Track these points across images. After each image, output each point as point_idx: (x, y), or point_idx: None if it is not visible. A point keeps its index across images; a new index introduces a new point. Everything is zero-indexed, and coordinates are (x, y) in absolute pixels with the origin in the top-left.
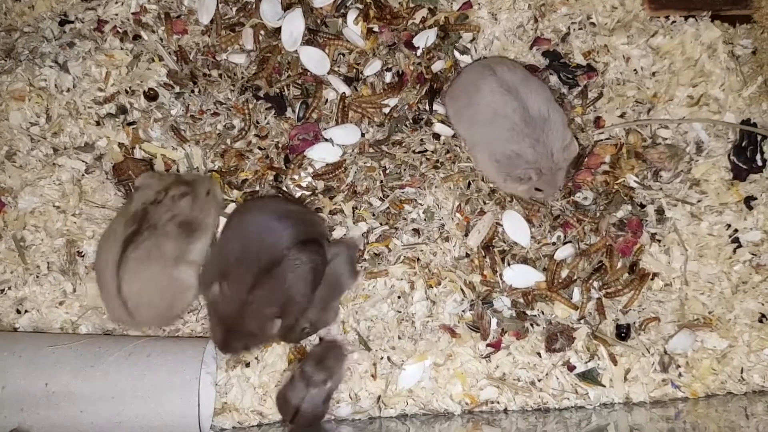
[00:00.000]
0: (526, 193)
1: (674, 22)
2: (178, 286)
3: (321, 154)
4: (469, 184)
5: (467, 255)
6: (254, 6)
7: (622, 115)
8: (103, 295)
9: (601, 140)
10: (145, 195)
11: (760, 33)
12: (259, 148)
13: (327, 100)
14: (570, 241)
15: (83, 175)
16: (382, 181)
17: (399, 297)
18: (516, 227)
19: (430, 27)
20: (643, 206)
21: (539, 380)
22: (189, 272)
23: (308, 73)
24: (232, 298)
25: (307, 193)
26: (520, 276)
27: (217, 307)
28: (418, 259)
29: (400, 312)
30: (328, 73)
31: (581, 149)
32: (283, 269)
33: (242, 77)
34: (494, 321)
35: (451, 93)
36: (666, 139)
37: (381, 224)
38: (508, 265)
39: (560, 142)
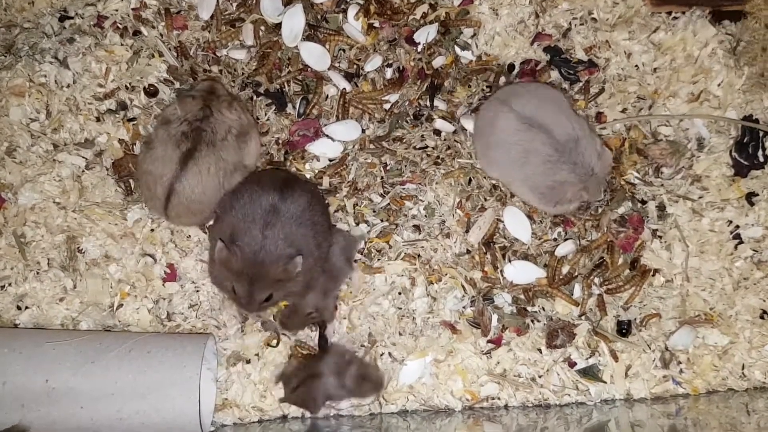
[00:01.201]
0: (573, 210)
1: (675, 17)
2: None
3: (321, 150)
4: (470, 180)
5: (468, 251)
6: (254, 2)
7: (623, 111)
8: (149, 202)
9: (603, 135)
10: (189, 116)
11: (753, 23)
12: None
13: (327, 96)
14: (571, 238)
15: (83, 171)
16: (382, 178)
17: (400, 293)
18: (517, 223)
19: (430, 22)
20: (644, 202)
21: (540, 376)
22: (239, 178)
23: (309, 69)
24: (245, 251)
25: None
26: (521, 272)
27: (230, 265)
28: (419, 255)
29: (400, 308)
30: (329, 69)
31: None
32: (283, 213)
33: (242, 73)
34: (495, 317)
35: (476, 135)
36: (667, 135)
37: (381, 221)
38: (509, 261)
39: (595, 155)
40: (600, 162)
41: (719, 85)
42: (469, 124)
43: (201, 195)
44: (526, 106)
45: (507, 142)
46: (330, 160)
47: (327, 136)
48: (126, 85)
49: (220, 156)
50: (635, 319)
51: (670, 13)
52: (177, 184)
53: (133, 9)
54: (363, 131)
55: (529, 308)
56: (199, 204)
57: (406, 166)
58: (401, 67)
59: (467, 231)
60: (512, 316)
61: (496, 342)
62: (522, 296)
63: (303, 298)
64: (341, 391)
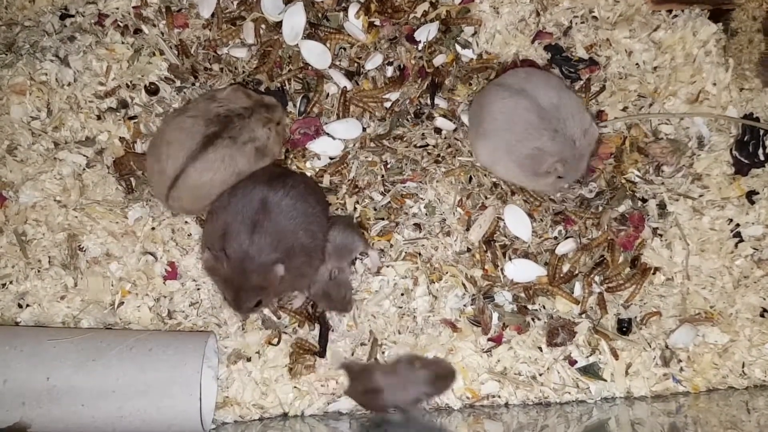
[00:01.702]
0: (553, 186)
1: (676, 16)
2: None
3: (322, 148)
4: (471, 178)
5: (468, 249)
6: (255, 0)
7: (624, 109)
8: (156, 175)
9: (604, 134)
10: (233, 105)
11: (742, 14)
12: None
13: (328, 94)
14: (571, 236)
15: (84, 169)
16: (383, 176)
17: (402, 294)
18: (517, 222)
19: (431, 21)
20: (644, 201)
21: (540, 374)
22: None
23: (309, 67)
24: (232, 258)
25: None
26: (522, 270)
27: (217, 272)
28: (420, 254)
29: (401, 307)
30: (330, 67)
31: None
32: (273, 208)
33: (243, 71)
34: (495, 315)
35: (470, 119)
36: (668, 134)
37: (382, 219)
38: (510, 259)
39: (579, 128)
40: (584, 138)
41: (714, 84)
42: (468, 119)
43: (208, 183)
44: (510, 78)
45: (492, 112)
46: (331, 159)
47: (328, 134)
48: (127, 84)
49: (234, 155)
50: (636, 317)
51: (670, 11)
52: (190, 166)
53: (133, 7)
54: (364, 129)
55: (529, 306)
56: (203, 192)
57: (406, 164)
58: (402, 66)
59: (468, 229)
60: (513, 315)
61: (497, 340)
62: (522, 294)
63: (304, 290)
64: (417, 396)
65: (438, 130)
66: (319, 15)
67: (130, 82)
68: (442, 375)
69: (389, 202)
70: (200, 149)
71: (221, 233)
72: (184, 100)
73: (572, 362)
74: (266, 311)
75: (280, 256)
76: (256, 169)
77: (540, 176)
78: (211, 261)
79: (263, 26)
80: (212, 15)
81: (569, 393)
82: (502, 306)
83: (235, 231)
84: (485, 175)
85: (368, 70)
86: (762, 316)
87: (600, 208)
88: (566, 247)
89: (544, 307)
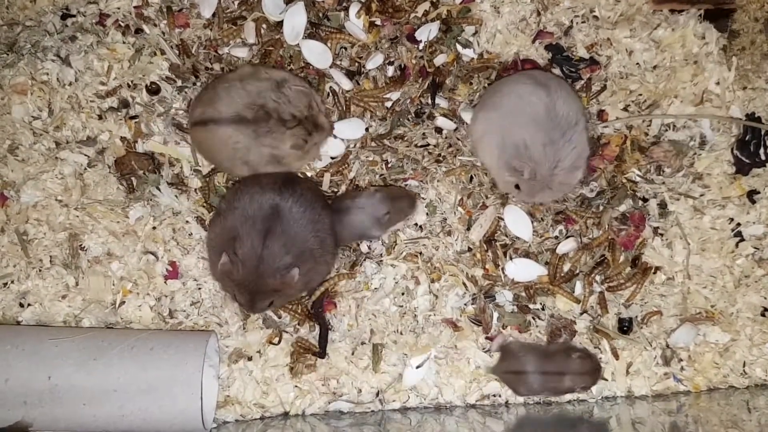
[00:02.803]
0: (507, 186)
1: (676, 15)
2: (232, 169)
3: (324, 148)
4: (471, 178)
5: (469, 249)
6: (256, 0)
7: (625, 108)
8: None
9: (605, 134)
10: (285, 107)
11: (743, 16)
12: None
13: (329, 93)
14: (572, 235)
15: (85, 169)
16: (383, 175)
17: (403, 293)
18: (518, 222)
19: (432, 20)
20: (645, 200)
21: None
22: (245, 171)
23: (310, 67)
24: (245, 262)
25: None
26: (522, 270)
27: (232, 276)
28: (421, 253)
29: (402, 306)
30: (330, 67)
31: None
32: (285, 214)
33: None
34: (496, 315)
35: (480, 102)
36: (671, 137)
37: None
38: (510, 259)
39: (571, 160)
40: (565, 171)
41: (717, 83)
42: (469, 117)
43: (214, 148)
44: (543, 75)
45: (506, 89)
46: (332, 158)
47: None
48: (128, 83)
49: (250, 146)
50: (636, 316)
51: (672, 10)
52: (213, 125)
53: (135, 7)
54: (366, 129)
55: (530, 306)
56: (207, 150)
57: (407, 163)
58: (403, 65)
59: (468, 229)
60: (513, 315)
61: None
62: (523, 294)
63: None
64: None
65: (439, 130)
66: (320, 15)
67: (132, 81)
68: (589, 362)
69: None
70: (228, 121)
71: (231, 237)
72: (185, 100)
73: None
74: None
75: (294, 261)
76: (272, 171)
77: (508, 169)
78: (227, 265)
79: (264, 26)
80: (213, 15)
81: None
82: (502, 306)
83: (247, 235)
84: (486, 175)
85: (369, 70)
86: (763, 315)
87: (601, 208)
88: (567, 246)
89: (544, 307)
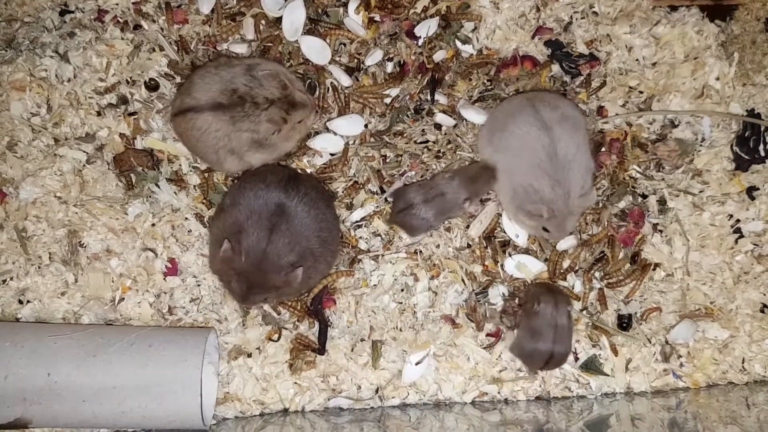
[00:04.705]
0: (534, 229)
1: (676, 11)
2: (218, 162)
3: (323, 145)
4: None
5: (468, 246)
6: None
7: (624, 105)
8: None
9: (605, 130)
10: (257, 90)
11: (745, 15)
12: None
13: (330, 89)
14: (572, 232)
15: (84, 165)
16: (380, 170)
17: (402, 290)
18: (514, 224)
19: (431, 16)
20: (645, 196)
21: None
22: (235, 163)
23: (309, 63)
24: (249, 254)
25: None
26: (522, 266)
27: (233, 264)
28: (420, 251)
29: (401, 303)
30: (329, 63)
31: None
32: (290, 212)
33: None
34: (489, 313)
35: (489, 120)
36: (678, 137)
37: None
38: (510, 255)
39: (579, 187)
40: (580, 198)
41: (717, 78)
42: (468, 113)
43: (196, 139)
44: (548, 112)
45: (515, 131)
46: (331, 155)
47: (330, 131)
48: (127, 80)
49: (230, 134)
50: (636, 313)
51: (671, 6)
52: (191, 113)
53: (133, 3)
54: (365, 126)
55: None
56: (189, 142)
57: (406, 160)
58: (402, 61)
59: (468, 226)
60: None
61: (496, 335)
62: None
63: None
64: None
65: (438, 126)
66: (319, 11)
67: (130, 78)
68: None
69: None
70: (204, 108)
71: (236, 231)
72: None
73: (573, 358)
74: (266, 307)
75: (298, 260)
76: (262, 158)
77: (524, 213)
78: (229, 252)
79: (263, 22)
80: (212, 11)
81: (569, 388)
82: (495, 305)
83: (252, 228)
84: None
85: (368, 66)
86: (762, 311)
87: (600, 204)
88: (567, 243)
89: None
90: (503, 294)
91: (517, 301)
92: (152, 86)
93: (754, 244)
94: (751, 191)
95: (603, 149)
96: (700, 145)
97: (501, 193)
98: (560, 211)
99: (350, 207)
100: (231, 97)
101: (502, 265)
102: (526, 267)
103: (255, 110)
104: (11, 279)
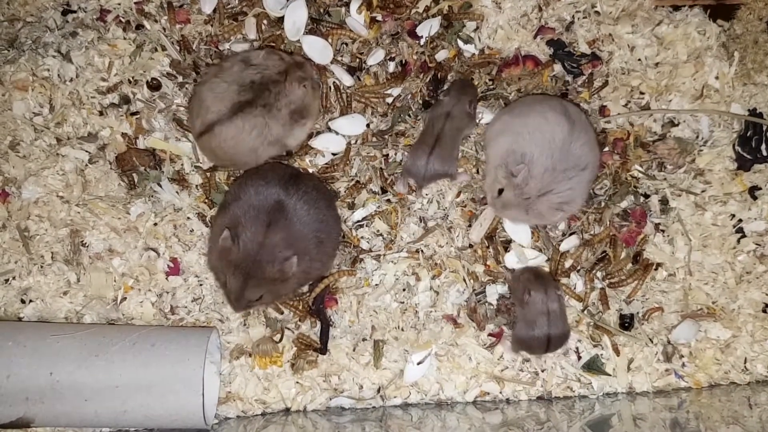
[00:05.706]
0: (492, 186)
1: (678, 11)
2: (257, 160)
3: (325, 145)
4: (477, 170)
5: (470, 246)
6: None
7: (626, 104)
8: (191, 126)
9: (607, 129)
10: (267, 71)
11: (747, 14)
12: None
13: (332, 89)
14: (575, 233)
15: (87, 165)
16: (382, 170)
17: (404, 290)
18: (518, 228)
19: (433, 16)
20: (647, 196)
21: (543, 370)
22: (274, 152)
23: (311, 63)
24: (246, 246)
25: None
26: (522, 259)
27: (230, 255)
28: (422, 251)
29: (403, 302)
30: (331, 63)
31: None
32: (289, 210)
33: None
34: (488, 313)
35: (507, 111)
36: (676, 134)
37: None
38: (508, 251)
39: (561, 198)
40: (559, 196)
41: (716, 78)
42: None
43: (232, 148)
44: (575, 111)
45: (537, 108)
46: (333, 155)
47: (332, 130)
48: (129, 79)
49: (268, 123)
50: (638, 312)
51: (674, 6)
52: (218, 126)
53: (135, 3)
54: (367, 126)
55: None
56: (226, 154)
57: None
58: (404, 61)
59: (470, 225)
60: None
61: (498, 336)
62: None
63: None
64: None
65: None
66: (321, 10)
67: (132, 77)
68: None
69: (390, 197)
70: (229, 115)
71: (235, 224)
72: (186, 96)
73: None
74: (268, 309)
75: (293, 251)
76: (307, 127)
77: (504, 170)
78: (228, 241)
79: (265, 22)
80: (214, 10)
81: (571, 388)
82: (494, 305)
83: (250, 222)
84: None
85: (370, 66)
86: (764, 311)
87: (602, 204)
88: (569, 244)
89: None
90: (499, 293)
91: (507, 287)
92: (154, 86)
93: (757, 244)
94: (753, 191)
95: (606, 149)
96: (701, 146)
97: (492, 152)
98: (525, 195)
99: (352, 206)
100: (253, 89)
101: (503, 264)
102: (524, 255)
103: (279, 85)
104: (14, 278)
